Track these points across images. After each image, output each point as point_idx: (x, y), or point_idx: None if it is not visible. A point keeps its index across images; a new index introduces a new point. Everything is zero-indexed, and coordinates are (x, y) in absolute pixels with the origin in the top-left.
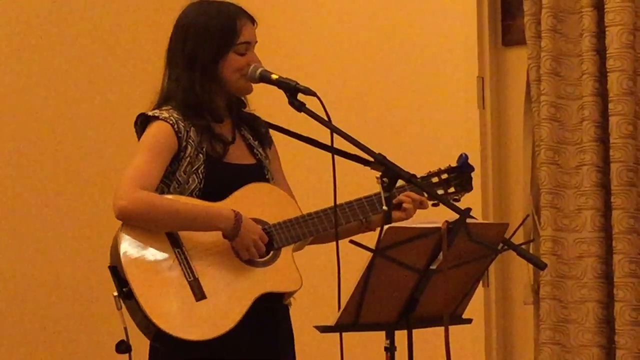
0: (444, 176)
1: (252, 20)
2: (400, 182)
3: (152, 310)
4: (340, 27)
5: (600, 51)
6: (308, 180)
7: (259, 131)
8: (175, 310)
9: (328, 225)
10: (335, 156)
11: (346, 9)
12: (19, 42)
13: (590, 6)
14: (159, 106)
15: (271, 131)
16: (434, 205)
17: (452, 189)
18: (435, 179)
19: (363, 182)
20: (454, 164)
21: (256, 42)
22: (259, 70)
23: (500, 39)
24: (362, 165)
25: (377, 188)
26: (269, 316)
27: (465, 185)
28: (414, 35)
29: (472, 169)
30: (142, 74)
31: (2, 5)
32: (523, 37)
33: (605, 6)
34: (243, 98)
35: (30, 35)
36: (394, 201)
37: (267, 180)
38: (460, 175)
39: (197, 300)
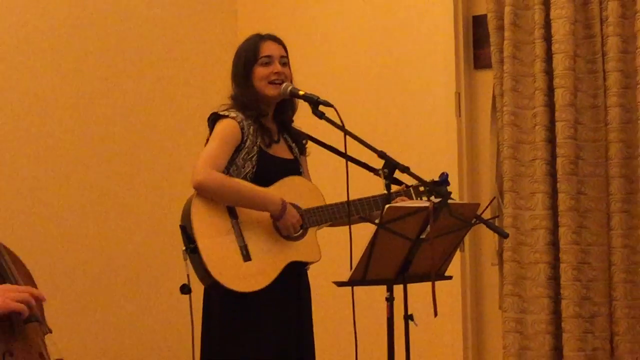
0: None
1: (275, 40)
2: (396, 188)
3: (211, 264)
4: (345, 54)
5: (549, 72)
6: (329, 178)
7: (299, 142)
8: (228, 267)
9: (343, 214)
10: (348, 162)
11: (349, 40)
12: (96, 45)
13: (541, 38)
14: (226, 109)
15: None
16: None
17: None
18: (422, 189)
19: (368, 180)
20: (436, 174)
21: (282, 55)
22: (289, 88)
23: (472, 63)
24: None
25: (378, 190)
26: (294, 277)
27: (442, 196)
28: (404, 61)
29: (448, 184)
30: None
31: (79, 8)
32: (490, 62)
33: (552, 38)
34: (293, 105)
35: (108, 39)
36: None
37: (301, 174)
38: (438, 188)
39: (245, 260)
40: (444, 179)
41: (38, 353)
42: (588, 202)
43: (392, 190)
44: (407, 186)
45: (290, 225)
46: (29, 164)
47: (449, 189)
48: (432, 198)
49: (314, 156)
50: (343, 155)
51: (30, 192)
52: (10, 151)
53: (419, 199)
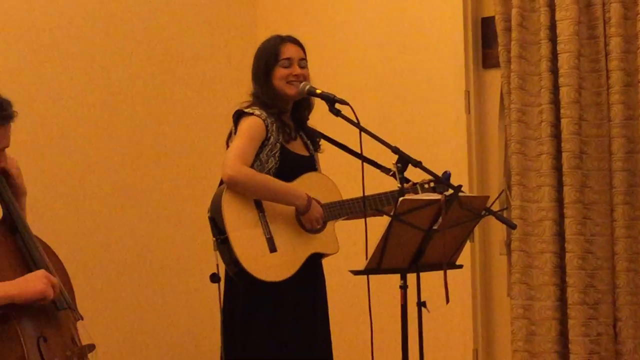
0: (431, 184)
1: (295, 43)
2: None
3: (241, 254)
4: (360, 54)
5: (554, 71)
6: (340, 175)
7: (314, 139)
8: (256, 257)
9: (359, 209)
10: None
11: (364, 41)
12: (122, 47)
13: (546, 38)
14: (249, 106)
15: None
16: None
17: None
18: (427, 185)
19: (379, 177)
20: (447, 169)
21: (301, 58)
22: (307, 87)
23: (481, 63)
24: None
25: (389, 185)
26: (312, 268)
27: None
28: (416, 61)
29: (448, 183)
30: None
31: (104, 12)
32: (497, 61)
33: (558, 38)
34: (310, 104)
35: (134, 41)
36: None
37: (316, 169)
38: (439, 185)
39: (271, 251)
40: (446, 178)
41: (70, 338)
42: (592, 195)
43: (407, 187)
44: (414, 183)
45: (314, 219)
46: (66, 159)
47: (455, 184)
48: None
49: (328, 153)
50: (356, 154)
51: (66, 186)
52: (46, 147)
53: (430, 192)
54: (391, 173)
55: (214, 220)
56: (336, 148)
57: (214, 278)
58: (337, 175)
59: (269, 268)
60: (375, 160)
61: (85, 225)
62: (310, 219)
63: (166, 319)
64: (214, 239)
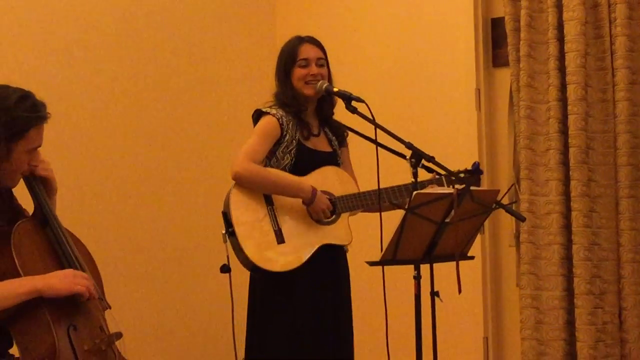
0: (462, 175)
1: (313, 43)
2: (426, 177)
3: (247, 247)
4: (375, 53)
5: (562, 69)
6: (361, 170)
7: (339, 134)
8: (263, 249)
9: (374, 201)
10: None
11: (379, 42)
12: (148, 47)
13: (554, 38)
14: (269, 106)
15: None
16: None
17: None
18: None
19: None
20: (468, 166)
21: (318, 57)
22: (325, 85)
23: (491, 62)
24: (395, 159)
25: (406, 179)
26: (330, 259)
27: (475, 184)
28: (429, 61)
29: (481, 172)
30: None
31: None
32: (507, 60)
33: (565, 38)
34: (333, 100)
35: (160, 41)
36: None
37: (338, 165)
38: (472, 176)
39: (278, 243)
40: (476, 167)
41: (99, 327)
42: (598, 189)
43: (424, 180)
44: (438, 174)
45: (320, 210)
46: (94, 157)
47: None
48: (456, 185)
49: (353, 148)
50: (376, 142)
51: (93, 182)
52: (74, 146)
53: (450, 187)
54: (408, 160)
55: (225, 215)
56: (357, 147)
57: (224, 269)
58: (362, 168)
59: (275, 259)
60: (396, 150)
61: (112, 221)
62: (316, 210)
63: (186, 308)
64: (223, 232)
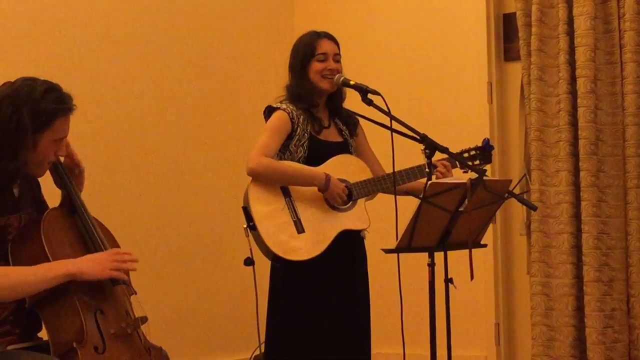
0: (472, 153)
1: (330, 38)
2: (442, 156)
3: (269, 239)
4: (390, 48)
5: (571, 63)
6: (376, 153)
7: (350, 123)
8: (285, 240)
9: (390, 185)
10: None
11: (393, 36)
12: (171, 44)
13: (564, 33)
14: (281, 101)
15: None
16: (464, 172)
17: (477, 162)
18: (466, 155)
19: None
20: (479, 144)
21: (335, 53)
22: (341, 79)
23: (502, 56)
24: (408, 143)
25: (418, 161)
26: (348, 245)
27: (487, 159)
28: (442, 55)
29: (492, 147)
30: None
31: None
32: (518, 55)
33: (575, 33)
34: (343, 94)
35: (183, 39)
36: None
37: (351, 153)
38: (483, 152)
39: (299, 233)
40: (486, 143)
41: (125, 311)
42: (607, 179)
43: (439, 159)
44: (450, 154)
45: (336, 194)
46: (121, 149)
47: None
48: (470, 174)
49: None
50: (389, 128)
51: (120, 173)
52: (100, 136)
53: (464, 166)
54: (422, 150)
55: (245, 209)
56: (372, 133)
57: (248, 262)
58: (377, 155)
59: (298, 248)
60: (409, 134)
61: (137, 210)
62: (332, 195)
63: (209, 295)
64: (244, 226)
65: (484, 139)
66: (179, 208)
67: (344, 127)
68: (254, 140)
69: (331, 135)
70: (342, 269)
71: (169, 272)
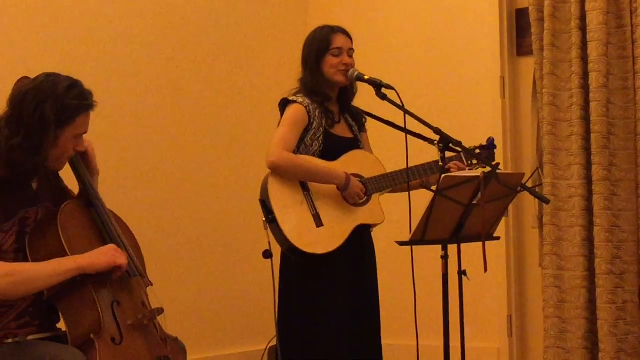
0: (477, 151)
1: (345, 33)
2: (449, 155)
3: (289, 232)
4: (404, 43)
5: (584, 58)
6: (388, 150)
7: (359, 120)
8: (304, 233)
9: (403, 180)
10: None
11: (407, 31)
12: (184, 41)
13: (577, 28)
14: (295, 94)
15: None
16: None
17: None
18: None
19: (422, 153)
20: (484, 141)
21: (349, 48)
22: (355, 73)
23: (515, 51)
24: (421, 142)
25: (430, 158)
26: (358, 238)
27: (489, 158)
28: (456, 50)
29: (495, 147)
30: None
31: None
32: (531, 49)
33: (587, 28)
34: (354, 89)
35: (197, 37)
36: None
37: (360, 149)
38: (487, 151)
39: (317, 227)
40: (490, 143)
41: (141, 302)
42: (619, 173)
43: (450, 159)
44: (459, 152)
45: (354, 194)
46: (139, 146)
47: (495, 151)
48: (476, 162)
49: (373, 132)
50: (400, 128)
51: (138, 167)
52: (120, 132)
53: (469, 162)
54: (436, 144)
55: (263, 202)
56: (384, 127)
57: (266, 254)
58: (385, 151)
59: (316, 242)
60: (420, 134)
61: (154, 202)
62: (351, 195)
63: (225, 286)
64: (264, 219)
65: (489, 138)
66: (196, 201)
67: (354, 123)
68: (269, 135)
69: (342, 130)
70: (353, 262)
71: (185, 264)
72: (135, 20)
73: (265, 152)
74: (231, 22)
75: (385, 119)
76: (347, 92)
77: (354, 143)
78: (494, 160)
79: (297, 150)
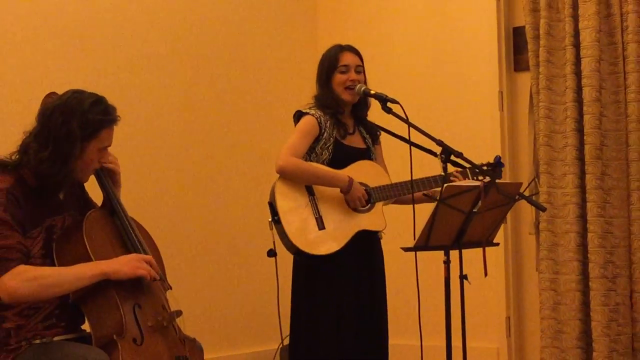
0: (485, 168)
1: (352, 51)
2: (453, 169)
3: (291, 233)
4: (407, 59)
5: (578, 73)
6: (395, 164)
7: (373, 133)
8: (306, 234)
9: (406, 191)
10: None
11: (411, 49)
12: (199, 54)
13: (571, 45)
14: (309, 107)
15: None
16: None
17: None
18: (477, 170)
19: (425, 166)
20: (484, 152)
21: (357, 64)
22: (362, 88)
23: (513, 67)
24: (425, 154)
25: (432, 173)
26: (366, 244)
27: (497, 175)
28: (456, 65)
29: (503, 165)
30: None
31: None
32: (527, 65)
33: (581, 45)
34: (367, 102)
35: (210, 49)
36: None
37: (372, 159)
38: (494, 168)
39: (319, 229)
40: (497, 161)
41: (161, 305)
42: (611, 182)
43: (450, 171)
44: (463, 167)
45: (356, 198)
46: (155, 154)
47: (502, 168)
48: (481, 177)
49: (386, 146)
50: (408, 141)
51: (156, 178)
52: (138, 143)
53: (474, 178)
54: (438, 155)
55: (271, 205)
56: (391, 142)
57: (270, 253)
58: (393, 164)
59: (318, 243)
60: (426, 147)
61: (172, 211)
62: (353, 198)
63: (239, 290)
64: (269, 220)
65: (496, 156)
66: (213, 210)
67: (367, 136)
68: (276, 141)
69: (355, 141)
70: (362, 267)
71: (202, 269)
72: (155, 40)
73: (273, 159)
74: (247, 40)
75: (392, 131)
76: (360, 106)
77: (365, 154)
78: (500, 177)
79: (308, 158)
